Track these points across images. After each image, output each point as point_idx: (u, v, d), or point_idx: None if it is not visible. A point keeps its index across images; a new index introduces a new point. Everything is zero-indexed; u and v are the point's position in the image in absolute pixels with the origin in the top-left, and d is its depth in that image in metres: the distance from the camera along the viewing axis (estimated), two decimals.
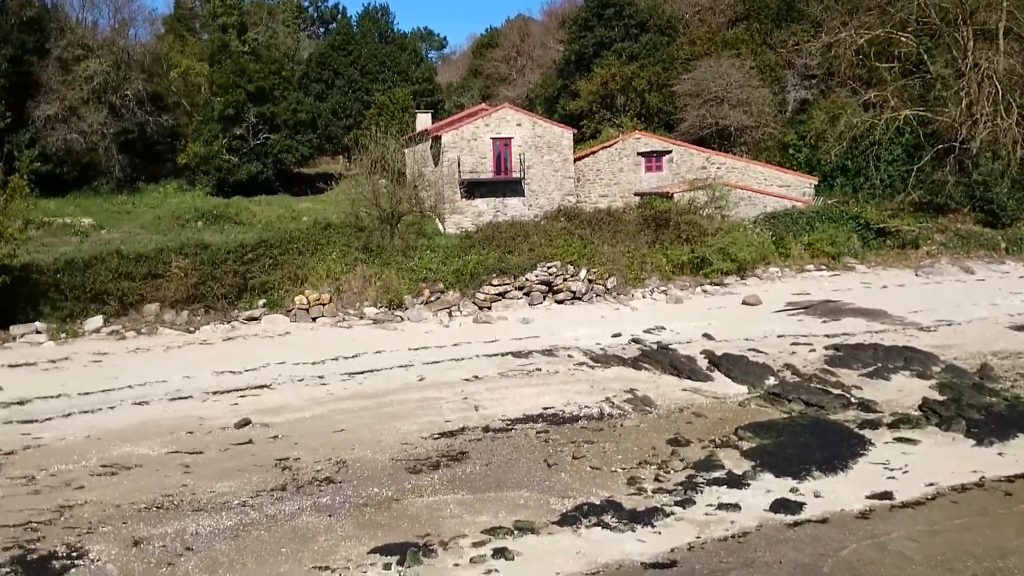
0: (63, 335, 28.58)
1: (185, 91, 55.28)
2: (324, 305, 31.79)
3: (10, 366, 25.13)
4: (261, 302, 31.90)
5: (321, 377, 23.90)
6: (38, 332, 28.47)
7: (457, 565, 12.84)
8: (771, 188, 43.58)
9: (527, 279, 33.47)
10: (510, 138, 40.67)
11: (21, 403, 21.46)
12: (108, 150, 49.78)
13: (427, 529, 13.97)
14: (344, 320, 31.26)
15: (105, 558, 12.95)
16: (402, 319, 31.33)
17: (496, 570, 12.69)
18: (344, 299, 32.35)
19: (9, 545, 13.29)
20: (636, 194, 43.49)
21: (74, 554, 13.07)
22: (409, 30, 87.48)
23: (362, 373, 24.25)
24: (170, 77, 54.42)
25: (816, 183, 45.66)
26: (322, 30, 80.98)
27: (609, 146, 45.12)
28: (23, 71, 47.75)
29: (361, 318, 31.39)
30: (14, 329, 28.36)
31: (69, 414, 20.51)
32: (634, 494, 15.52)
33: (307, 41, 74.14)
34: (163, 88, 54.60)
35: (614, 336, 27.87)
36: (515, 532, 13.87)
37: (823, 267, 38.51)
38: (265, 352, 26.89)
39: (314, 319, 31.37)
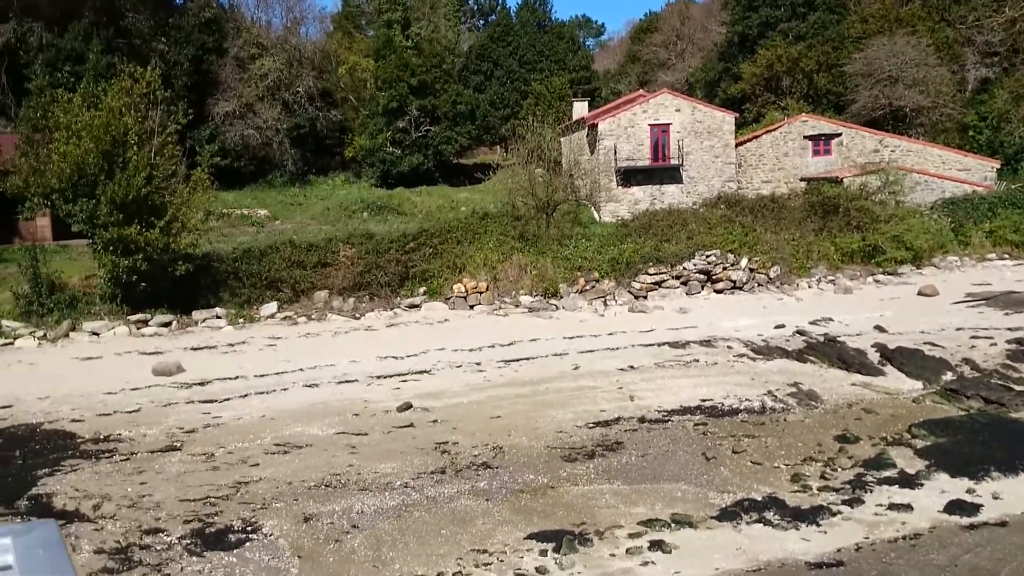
0: (241, 320, 30.36)
1: (352, 86, 57.45)
2: (481, 293, 32.32)
3: (193, 349, 26.90)
4: (422, 290, 32.80)
5: (478, 364, 24.26)
6: (218, 317, 30.35)
7: (613, 555, 12.71)
8: (949, 172, 40.84)
9: (685, 268, 32.80)
10: (668, 124, 39.94)
11: (202, 384, 22.88)
12: (282, 144, 52.46)
13: (583, 518, 13.90)
14: (500, 308, 31.66)
15: (277, 533, 13.60)
16: (557, 308, 31.41)
17: (653, 562, 12.48)
18: (500, 287, 32.77)
19: (190, 518, 14.18)
20: (802, 179, 41.78)
21: (249, 528, 13.79)
22: (567, 18, 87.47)
23: (518, 361, 24.45)
24: (338, 73, 56.66)
25: (998, 167, 42.43)
26: (482, 22, 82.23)
27: (773, 130, 43.53)
28: (203, 70, 50.96)
29: (517, 306, 31.70)
30: (196, 314, 30.34)
31: (246, 395, 21.72)
32: (798, 491, 14.89)
33: (467, 34, 75.50)
34: (332, 84, 56.93)
35: (777, 327, 26.89)
36: (672, 525, 13.59)
37: (1005, 256, 35.86)
38: (425, 338, 27.58)
39: (471, 307, 31.96)
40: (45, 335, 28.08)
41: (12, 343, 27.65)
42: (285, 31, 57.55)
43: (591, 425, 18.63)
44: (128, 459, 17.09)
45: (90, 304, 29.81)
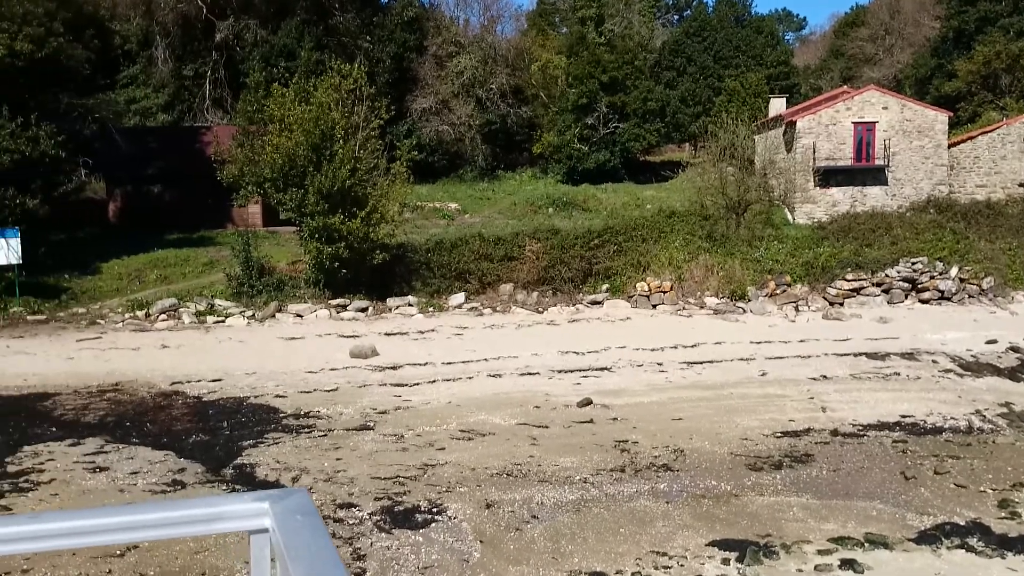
0: (430, 308, 31.44)
1: (543, 83, 58.08)
2: (665, 293, 31.87)
3: (386, 334, 28.11)
4: (604, 287, 32.75)
5: (659, 364, 23.96)
6: (410, 305, 31.56)
7: (800, 571, 12.20)
8: None
9: (887, 275, 30.99)
10: (874, 122, 37.80)
11: (394, 368, 23.87)
12: (473, 140, 53.83)
13: (768, 529, 13.43)
14: (684, 308, 31.10)
15: (461, 516, 13.98)
16: (744, 311, 30.49)
17: None
18: (684, 288, 32.19)
19: (380, 495, 14.81)
20: (1020, 184, 38.46)
21: (434, 510, 14.25)
22: (766, 12, 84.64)
23: (701, 363, 23.95)
24: (530, 70, 57.43)
25: None
26: (676, 17, 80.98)
27: (990, 131, 40.27)
28: (403, 67, 53.05)
29: (701, 307, 31.04)
30: (390, 301, 31.67)
31: (434, 381, 22.47)
32: (1006, 518, 13.76)
33: (661, 29, 74.56)
34: (524, 81, 57.80)
35: (988, 342, 24.91)
36: (865, 544, 12.89)
37: None
38: (606, 336, 27.53)
39: (654, 306, 31.58)
40: (253, 315, 30.15)
41: (223, 321, 29.88)
42: (482, 29, 58.98)
43: (779, 435, 17.97)
44: (325, 435, 18.09)
45: (295, 288, 31.77)
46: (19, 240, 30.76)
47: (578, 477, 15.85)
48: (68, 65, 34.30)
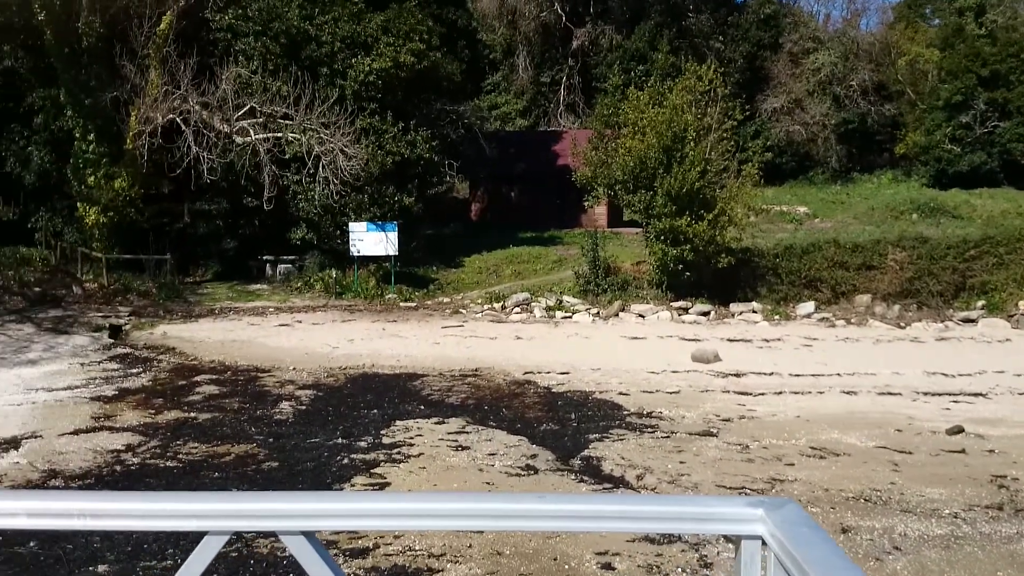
0: (776, 316, 30.28)
1: (910, 79, 53.87)
2: None
3: (729, 340, 27.50)
4: (979, 303, 29.48)
5: None
6: (754, 311, 30.64)
7: None
8: None
9: None
10: None
11: (737, 375, 23.25)
12: (827, 140, 51.24)
13: None
14: None
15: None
16: None
17: None
18: None
19: None
20: None
21: None
22: None
23: None
24: (896, 65, 53.52)
25: None
26: None
27: None
28: (755, 66, 51.81)
29: None
30: (733, 306, 30.97)
31: (780, 392, 21.55)
32: None
33: None
34: (888, 77, 54.01)
35: None
36: None
37: None
38: (980, 358, 24.72)
39: None
40: (598, 312, 31.00)
41: (570, 317, 31.03)
42: (844, 23, 55.98)
43: None
44: (668, 437, 18.02)
45: (638, 288, 32.22)
46: (396, 234, 34.34)
47: (947, 511, 14.29)
48: (443, 75, 37.60)
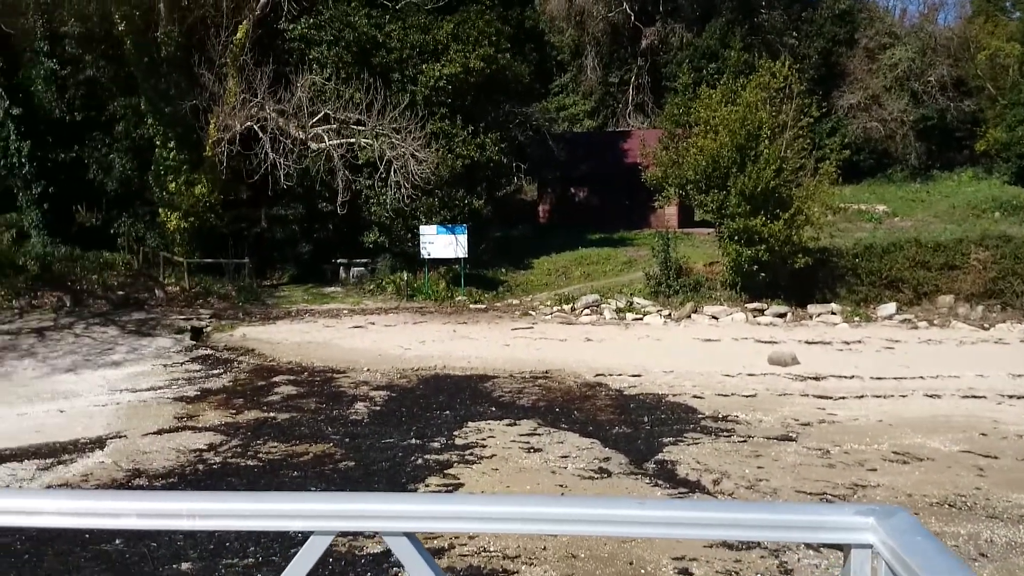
0: (856, 318, 29.56)
1: (991, 74, 52.14)
2: None
3: (806, 342, 26.94)
4: None
5: None
6: (833, 313, 29.96)
7: None
8: None
9: None
10: None
11: (816, 379, 22.74)
12: (905, 137, 49.91)
13: None
14: None
15: None
16: None
17: None
18: None
19: None
20: None
21: None
22: None
23: None
24: (976, 60, 51.87)
25: None
26: None
27: None
28: (831, 62, 50.75)
29: None
30: (811, 308, 30.33)
31: (862, 396, 21.02)
32: None
33: None
34: (968, 72, 52.38)
35: None
36: None
37: None
38: None
39: None
40: (670, 314, 30.68)
41: (641, 318, 30.78)
42: (921, 18, 54.46)
43: None
44: (745, 441, 17.71)
45: (711, 289, 31.80)
46: (466, 236, 34.55)
47: None
48: (511, 77, 37.70)
